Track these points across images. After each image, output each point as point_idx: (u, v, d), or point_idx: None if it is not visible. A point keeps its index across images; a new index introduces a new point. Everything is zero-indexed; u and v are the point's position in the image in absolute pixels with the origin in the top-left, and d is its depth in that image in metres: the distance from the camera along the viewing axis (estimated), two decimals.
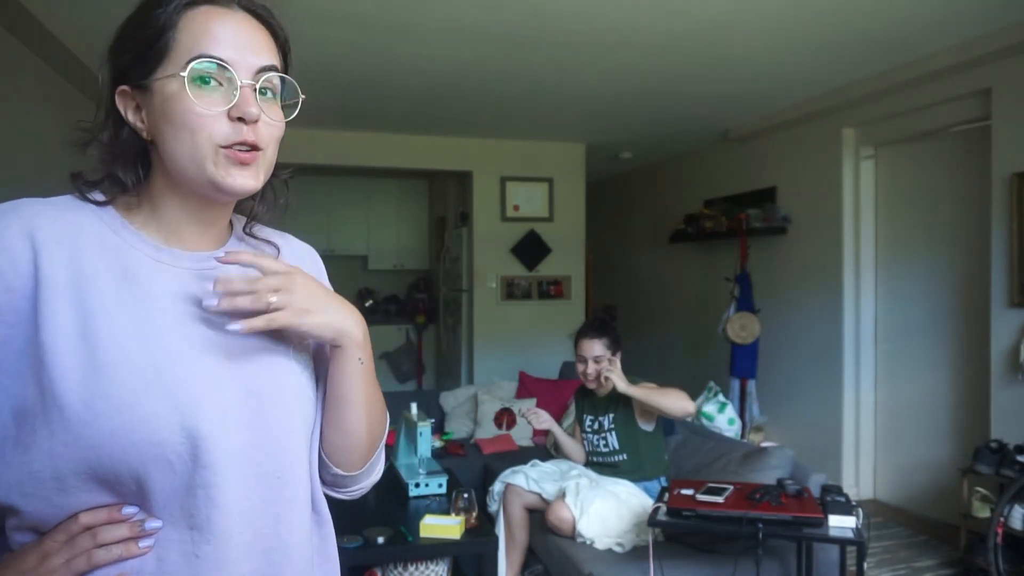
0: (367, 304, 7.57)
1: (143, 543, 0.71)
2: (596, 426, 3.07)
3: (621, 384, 2.82)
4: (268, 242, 0.90)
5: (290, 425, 0.80)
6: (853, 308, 4.45)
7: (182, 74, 0.72)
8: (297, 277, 0.78)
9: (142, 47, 0.74)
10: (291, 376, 0.81)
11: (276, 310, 0.75)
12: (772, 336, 4.92)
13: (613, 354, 2.99)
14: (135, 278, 0.74)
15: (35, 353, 0.68)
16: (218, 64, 0.73)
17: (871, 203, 4.45)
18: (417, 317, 7.23)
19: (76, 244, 0.72)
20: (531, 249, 5.84)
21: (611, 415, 3.01)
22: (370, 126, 5.23)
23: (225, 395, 0.74)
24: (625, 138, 5.72)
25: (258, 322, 0.74)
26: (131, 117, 0.76)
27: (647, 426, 2.99)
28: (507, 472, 3.12)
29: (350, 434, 0.86)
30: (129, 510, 0.71)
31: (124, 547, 0.70)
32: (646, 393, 2.81)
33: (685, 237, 5.79)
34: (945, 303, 3.96)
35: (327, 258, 0.99)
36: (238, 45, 0.75)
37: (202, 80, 0.73)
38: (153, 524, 0.71)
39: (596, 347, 2.98)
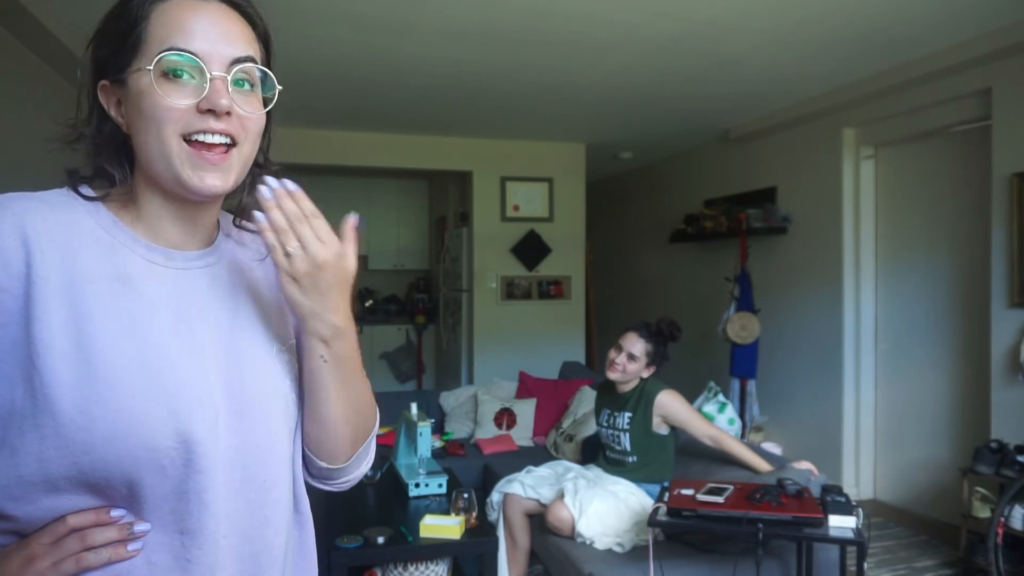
0: (367, 304, 7.57)
1: (132, 546, 0.70)
2: (611, 421, 3.07)
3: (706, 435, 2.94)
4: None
5: (274, 427, 0.79)
6: (853, 308, 4.45)
7: (148, 68, 0.70)
8: (327, 253, 0.76)
9: (118, 41, 0.73)
10: (275, 378, 0.81)
11: (286, 256, 0.75)
12: (772, 336, 4.92)
13: (648, 364, 2.99)
14: (129, 280, 0.73)
15: (25, 355, 0.66)
16: (189, 56, 0.71)
17: (871, 203, 4.45)
18: (417, 317, 7.23)
19: (69, 244, 0.71)
20: (531, 249, 5.84)
21: (628, 415, 3.00)
22: (370, 126, 5.23)
23: (215, 399, 0.74)
24: (625, 138, 5.72)
25: (273, 245, 0.75)
26: (113, 112, 0.76)
27: (661, 430, 2.99)
28: (502, 482, 3.10)
29: (329, 428, 0.84)
30: (117, 512, 0.70)
31: (113, 550, 0.69)
32: (739, 450, 2.92)
33: (685, 237, 5.79)
34: (945, 303, 3.96)
35: None
36: (211, 36, 0.73)
37: (174, 73, 0.71)
38: (142, 527, 0.70)
39: (637, 345, 2.97)
